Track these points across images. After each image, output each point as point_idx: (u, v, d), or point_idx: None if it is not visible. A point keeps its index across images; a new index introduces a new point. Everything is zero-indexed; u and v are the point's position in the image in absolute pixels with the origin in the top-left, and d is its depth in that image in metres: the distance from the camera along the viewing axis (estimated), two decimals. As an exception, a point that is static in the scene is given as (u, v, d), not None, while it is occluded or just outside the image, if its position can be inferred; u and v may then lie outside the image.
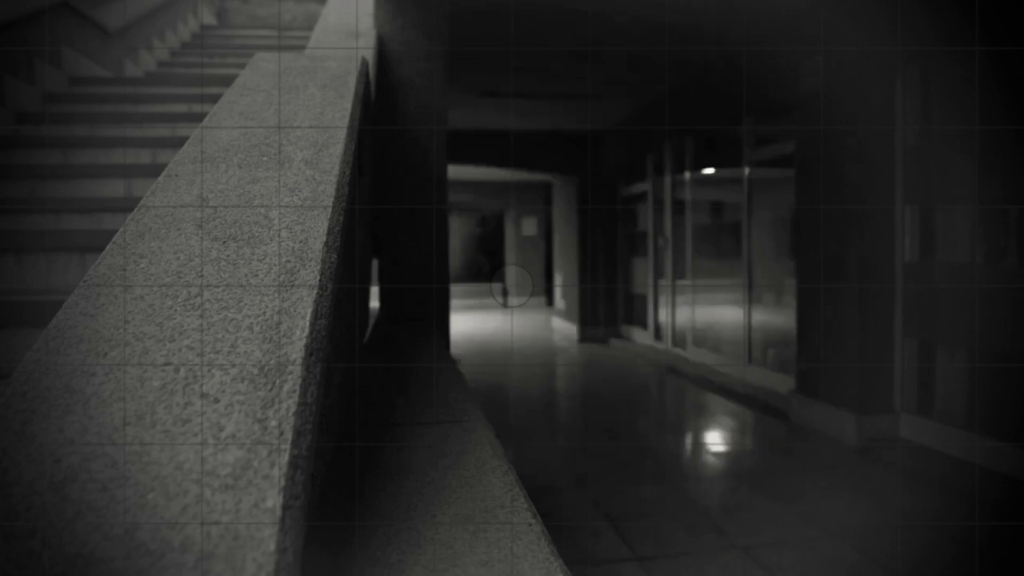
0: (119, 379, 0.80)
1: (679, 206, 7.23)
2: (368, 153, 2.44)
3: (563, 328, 10.07)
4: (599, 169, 8.99)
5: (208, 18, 7.12)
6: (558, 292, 10.67)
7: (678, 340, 7.34)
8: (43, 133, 3.05)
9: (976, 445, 3.48)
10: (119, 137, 3.02)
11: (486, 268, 14.32)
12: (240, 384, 0.80)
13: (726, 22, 4.71)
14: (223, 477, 0.69)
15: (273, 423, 0.75)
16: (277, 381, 0.81)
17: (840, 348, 4.23)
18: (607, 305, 9.16)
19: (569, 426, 5.05)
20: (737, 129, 5.78)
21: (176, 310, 0.92)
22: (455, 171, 9.36)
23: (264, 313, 0.92)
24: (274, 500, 0.67)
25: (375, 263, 3.11)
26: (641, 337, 8.36)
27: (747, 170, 5.71)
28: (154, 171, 2.70)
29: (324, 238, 1.08)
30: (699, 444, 4.61)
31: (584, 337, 9.18)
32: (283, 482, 0.69)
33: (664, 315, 7.69)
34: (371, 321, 2.98)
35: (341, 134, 1.47)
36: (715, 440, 4.65)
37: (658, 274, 7.88)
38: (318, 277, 0.99)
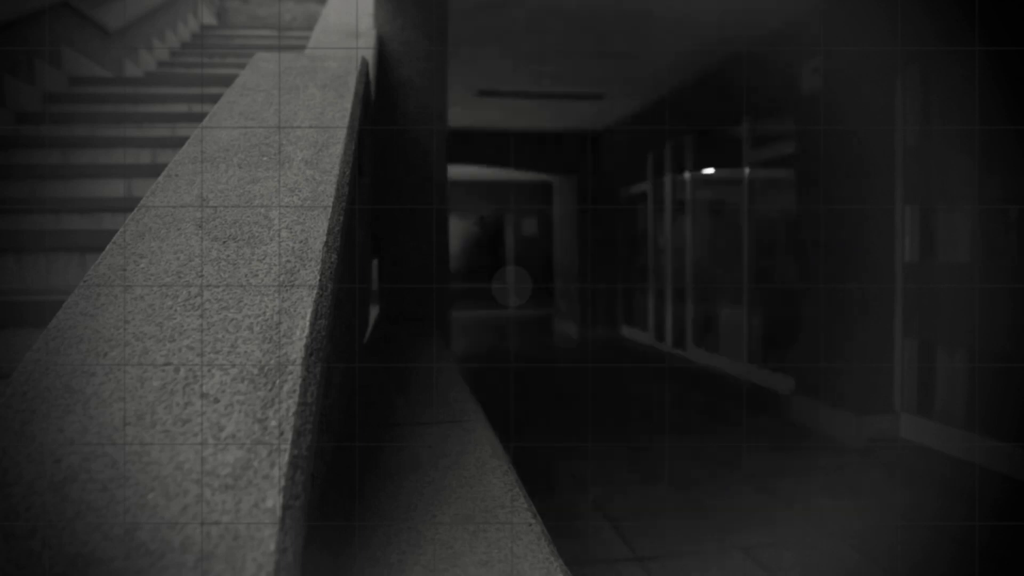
0: (119, 379, 0.80)
1: (679, 206, 7.23)
2: (368, 153, 2.44)
3: (563, 328, 10.07)
4: (599, 169, 8.99)
5: (208, 18, 7.12)
6: (558, 292, 10.67)
7: (678, 340, 7.34)
8: (43, 133, 3.05)
9: (976, 445, 3.48)
10: (119, 137, 3.02)
11: (486, 268, 14.31)
12: (240, 384, 0.80)
13: (726, 22, 4.71)
14: (223, 477, 0.69)
15: (273, 423, 0.75)
16: (277, 381, 0.81)
17: (840, 348, 4.23)
18: (607, 305, 9.17)
19: (569, 426, 5.04)
20: (737, 129, 5.78)
21: (176, 310, 0.92)
22: (455, 171, 9.39)
23: (264, 313, 0.92)
24: (274, 500, 0.67)
25: (375, 263, 3.11)
26: (641, 337, 8.36)
27: (747, 170, 5.71)
28: (154, 171, 2.70)
29: (324, 238, 1.08)
30: (699, 444, 4.61)
31: (584, 337, 9.17)
32: (283, 482, 0.69)
33: (664, 315, 7.70)
34: (371, 321, 2.98)
35: (341, 134, 1.47)
36: (715, 440, 4.65)
37: (658, 274, 7.88)
38: (318, 277, 0.99)
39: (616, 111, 7.67)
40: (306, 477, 0.74)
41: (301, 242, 1.07)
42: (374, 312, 3.10)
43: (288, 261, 1.02)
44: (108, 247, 1.05)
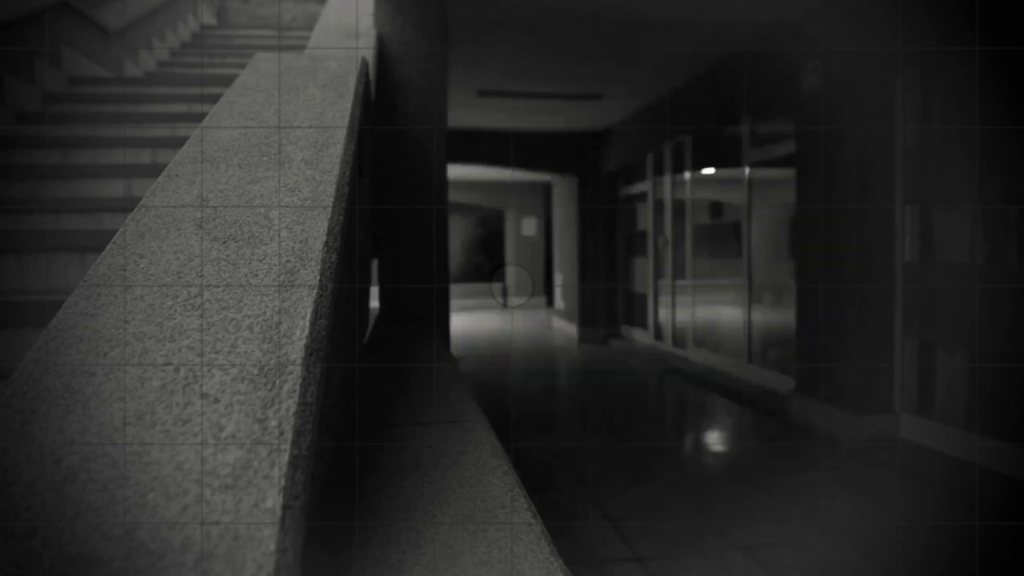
0: (119, 379, 0.80)
1: (679, 206, 7.23)
2: (368, 153, 2.44)
3: (563, 328, 10.07)
4: (599, 169, 8.99)
5: (208, 18, 7.12)
6: (558, 292, 10.67)
7: (678, 340, 7.35)
8: (43, 133, 3.05)
9: (976, 445, 3.48)
10: (119, 137, 3.02)
11: (486, 268, 14.32)
12: (240, 384, 0.80)
13: (726, 22, 4.71)
14: (223, 477, 0.69)
15: (273, 423, 0.75)
16: (277, 381, 0.81)
17: (840, 348, 4.23)
18: (607, 305, 9.17)
19: (569, 426, 5.04)
20: (737, 129, 5.78)
21: (176, 310, 0.92)
22: (455, 171, 9.39)
23: (264, 313, 0.92)
24: (274, 500, 0.67)
25: (375, 263, 3.11)
26: (641, 337, 8.36)
27: (747, 170, 5.71)
28: (154, 171, 2.70)
29: (324, 238, 1.08)
30: (699, 444, 4.61)
31: (584, 337, 9.17)
32: (283, 482, 0.69)
33: (664, 315, 7.70)
34: (371, 321, 2.98)
35: (341, 134, 1.47)
36: (715, 440, 4.65)
37: (658, 274, 7.88)
38: (318, 277, 0.99)
39: (616, 111, 7.67)
40: (306, 477, 0.74)
41: (301, 242, 1.07)
42: (374, 312, 3.11)
43: (288, 261, 1.02)
44: (108, 247, 1.05)
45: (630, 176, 8.54)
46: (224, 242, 1.07)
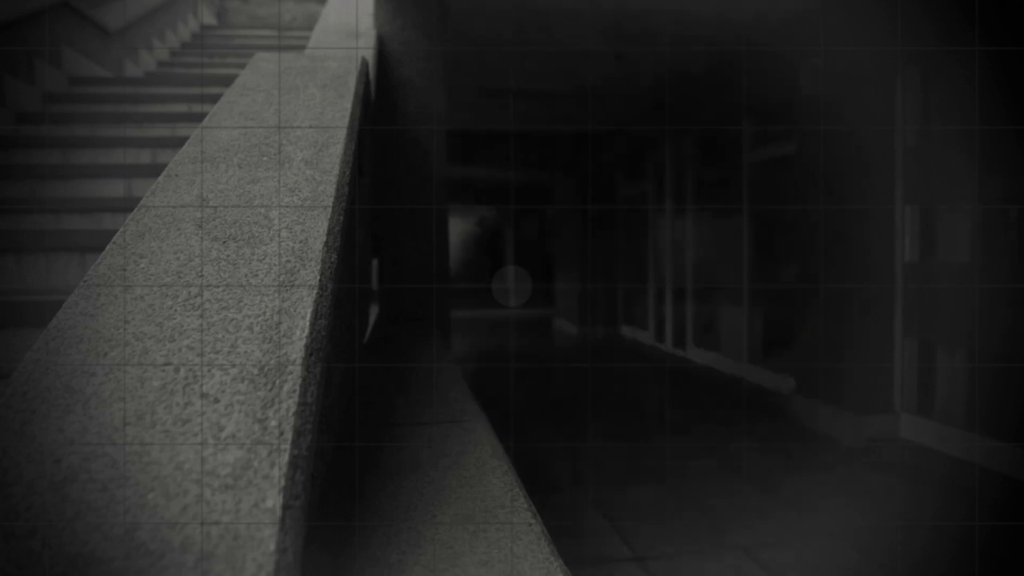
0: (119, 379, 0.80)
1: (679, 205, 7.23)
2: (368, 153, 2.44)
3: (563, 328, 10.07)
4: (599, 169, 8.99)
5: (208, 18, 7.12)
6: (558, 292, 10.67)
7: (678, 340, 7.34)
8: (43, 133, 3.05)
9: (976, 445, 3.48)
10: (119, 137, 3.02)
11: (486, 268, 14.32)
12: (240, 384, 0.80)
13: (725, 22, 4.71)
14: (223, 477, 0.69)
15: (273, 423, 0.75)
16: (277, 381, 0.81)
17: (840, 348, 4.23)
18: (607, 305, 9.16)
19: (569, 426, 5.04)
20: (737, 129, 5.78)
21: (176, 310, 0.92)
22: (456, 171, 9.39)
23: (264, 313, 0.92)
24: (274, 500, 0.67)
25: (375, 263, 3.11)
26: (641, 337, 8.36)
27: (747, 170, 5.71)
28: (154, 171, 2.70)
29: (324, 238, 1.08)
30: (699, 444, 4.61)
31: (584, 337, 9.17)
32: (283, 482, 0.69)
33: (664, 315, 7.69)
34: (371, 321, 2.98)
35: (341, 134, 1.47)
36: (715, 440, 4.65)
37: (658, 274, 7.88)
38: (318, 277, 0.99)
39: (616, 111, 7.67)
40: (306, 477, 0.74)
41: (301, 242, 1.07)
42: (374, 312, 3.11)
43: (288, 261, 1.02)
44: (108, 247, 1.05)
45: (630, 176, 8.53)
46: (224, 242, 1.07)
